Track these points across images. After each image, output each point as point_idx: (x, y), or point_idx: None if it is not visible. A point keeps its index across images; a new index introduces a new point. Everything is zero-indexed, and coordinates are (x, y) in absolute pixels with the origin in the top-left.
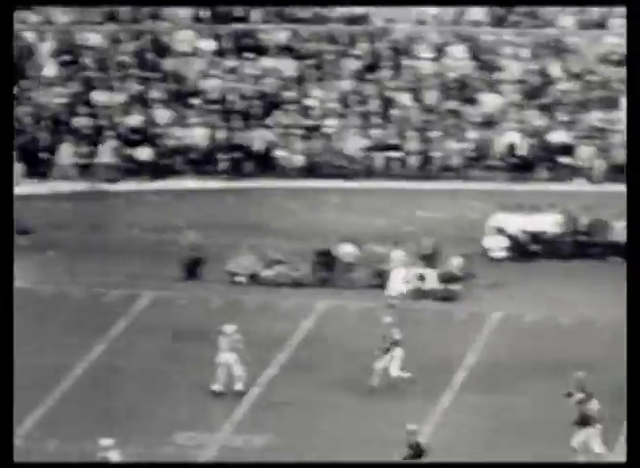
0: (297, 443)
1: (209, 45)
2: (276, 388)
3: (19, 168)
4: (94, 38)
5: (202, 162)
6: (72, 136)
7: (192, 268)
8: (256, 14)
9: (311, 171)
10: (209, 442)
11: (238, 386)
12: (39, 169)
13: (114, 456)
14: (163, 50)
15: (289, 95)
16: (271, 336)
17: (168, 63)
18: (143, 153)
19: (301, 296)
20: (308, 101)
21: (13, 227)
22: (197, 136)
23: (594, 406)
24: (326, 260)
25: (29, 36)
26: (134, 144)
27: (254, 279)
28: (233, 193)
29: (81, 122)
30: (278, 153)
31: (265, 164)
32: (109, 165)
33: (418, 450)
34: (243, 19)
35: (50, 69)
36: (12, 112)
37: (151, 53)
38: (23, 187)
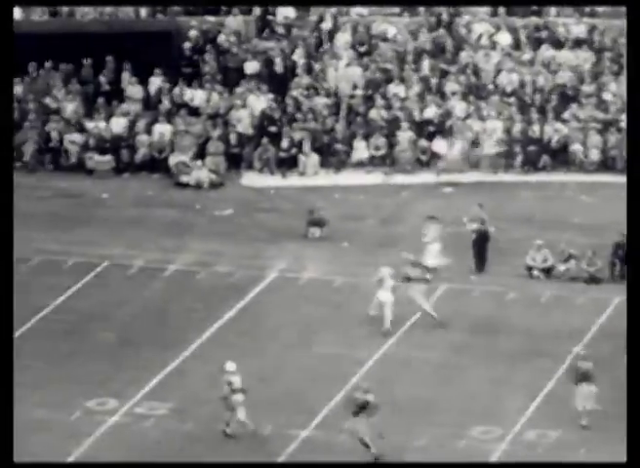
0: (589, 439)
1: (506, 38)
2: (568, 383)
3: (314, 158)
4: (391, 30)
5: (498, 155)
6: (368, 128)
7: (483, 261)
8: (552, 8)
9: (607, 165)
10: (502, 435)
11: (387, 324)
12: (334, 160)
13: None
14: (460, 42)
15: (586, 88)
16: (566, 331)
17: (465, 56)
18: (439, 145)
19: (598, 291)
20: (605, 95)
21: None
22: (493, 128)
23: None
24: (623, 255)
25: (326, 26)
26: (430, 136)
27: (549, 273)
28: (529, 187)
29: (377, 113)
30: (574, 147)
31: (562, 158)
32: (404, 157)
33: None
34: (540, 13)
35: (346, 60)
36: (11, 108)
37: (449, 45)
38: (318, 178)
